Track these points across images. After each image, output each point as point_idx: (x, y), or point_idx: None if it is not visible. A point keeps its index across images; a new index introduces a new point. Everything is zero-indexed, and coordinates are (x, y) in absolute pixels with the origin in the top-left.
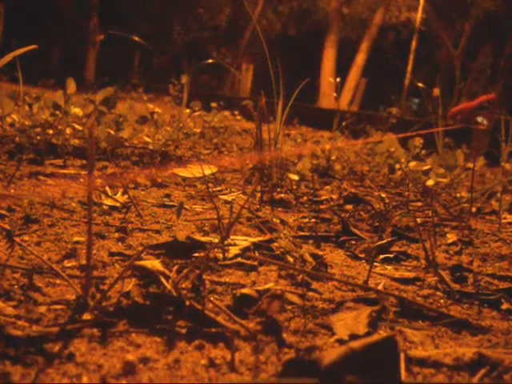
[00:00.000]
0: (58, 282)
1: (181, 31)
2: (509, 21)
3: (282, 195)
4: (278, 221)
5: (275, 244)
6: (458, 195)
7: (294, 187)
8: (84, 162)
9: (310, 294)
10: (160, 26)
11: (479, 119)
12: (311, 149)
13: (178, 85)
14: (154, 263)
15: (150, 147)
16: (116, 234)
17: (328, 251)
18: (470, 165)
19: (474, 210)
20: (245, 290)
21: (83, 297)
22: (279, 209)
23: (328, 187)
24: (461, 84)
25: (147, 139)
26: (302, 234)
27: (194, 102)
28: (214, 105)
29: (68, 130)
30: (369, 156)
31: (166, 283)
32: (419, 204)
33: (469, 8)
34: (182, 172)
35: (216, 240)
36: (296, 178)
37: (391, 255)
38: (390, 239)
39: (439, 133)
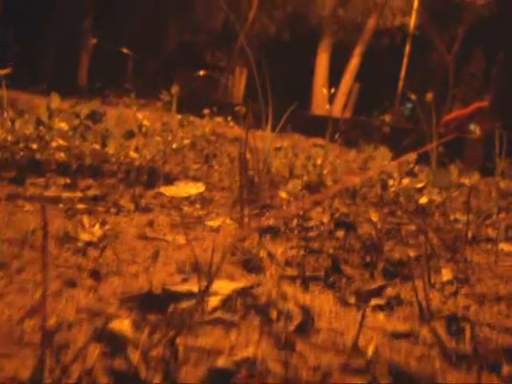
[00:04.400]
0: (14, 351)
1: (175, 34)
2: (502, 27)
3: (271, 222)
4: (264, 254)
5: (260, 289)
6: (451, 217)
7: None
8: (68, 180)
9: (294, 359)
10: (154, 30)
11: (472, 127)
12: (302, 164)
13: (168, 95)
14: (123, 326)
15: (137, 163)
16: (88, 281)
17: (316, 293)
18: (465, 180)
19: (469, 235)
20: (220, 362)
21: (39, 372)
22: (267, 236)
23: (319, 208)
24: (454, 89)
25: (134, 155)
26: (290, 272)
27: (186, 109)
28: (206, 111)
29: (54, 143)
30: (361, 169)
31: (132, 357)
32: (412, 228)
33: (462, 13)
34: (169, 191)
35: (195, 288)
36: (286, 196)
37: (383, 301)
38: (381, 284)
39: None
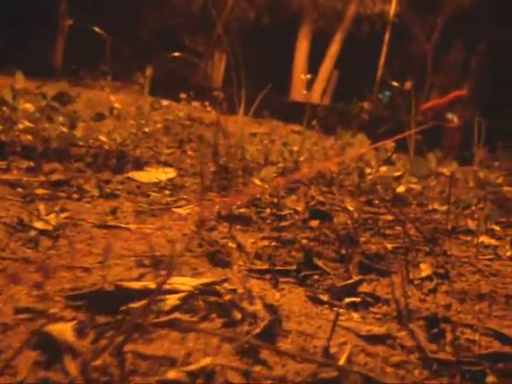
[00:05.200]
0: None
1: (153, 17)
2: (482, 17)
3: (242, 210)
4: (233, 245)
5: (226, 286)
6: (430, 207)
7: (257, 196)
8: (31, 163)
9: (258, 368)
10: (132, 12)
11: (449, 116)
12: (278, 150)
13: (143, 77)
14: (63, 329)
15: (106, 147)
16: (35, 276)
17: (286, 290)
18: (443, 169)
19: (449, 227)
20: (172, 374)
21: None
22: (238, 226)
23: (293, 196)
24: (432, 77)
25: (103, 139)
26: (259, 266)
27: (163, 92)
28: (183, 96)
29: (20, 125)
30: (338, 156)
31: (70, 367)
32: (389, 218)
33: (442, 2)
34: (138, 176)
35: (152, 285)
36: (259, 183)
37: (358, 299)
38: (357, 279)
39: (411, 134)
